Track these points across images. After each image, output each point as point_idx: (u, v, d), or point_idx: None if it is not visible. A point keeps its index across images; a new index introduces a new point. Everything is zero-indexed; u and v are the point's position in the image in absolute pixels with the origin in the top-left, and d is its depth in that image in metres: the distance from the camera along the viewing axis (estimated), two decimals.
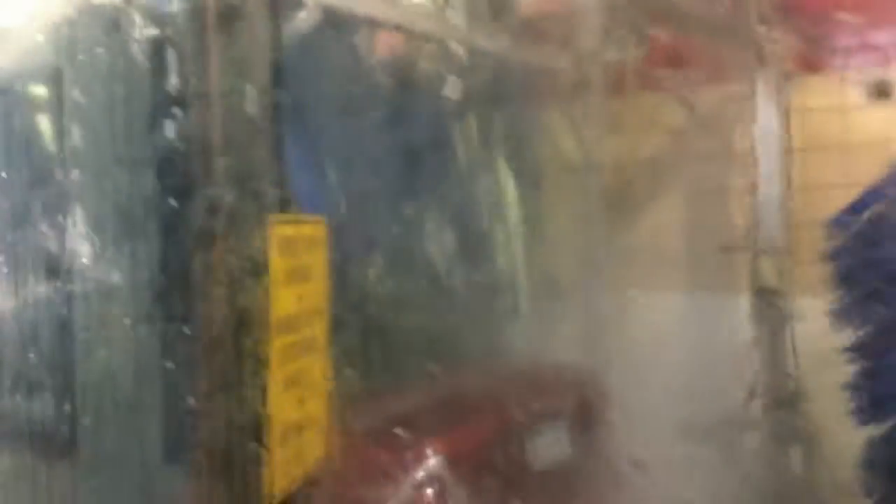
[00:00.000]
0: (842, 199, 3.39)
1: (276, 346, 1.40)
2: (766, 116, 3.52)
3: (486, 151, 2.89)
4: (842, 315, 3.17)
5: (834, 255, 3.20)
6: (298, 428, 1.46)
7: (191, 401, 1.41)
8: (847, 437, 3.24)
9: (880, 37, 3.33)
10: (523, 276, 2.94)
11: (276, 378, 1.39)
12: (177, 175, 1.50)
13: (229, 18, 1.46)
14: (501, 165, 2.97)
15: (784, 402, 3.50)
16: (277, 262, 1.38)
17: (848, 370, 3.24)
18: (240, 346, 1.38)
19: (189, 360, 1.42)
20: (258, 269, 1.36)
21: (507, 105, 3.00)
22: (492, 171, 2.92)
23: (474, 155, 2.81)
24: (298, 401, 1.45)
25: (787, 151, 3.49)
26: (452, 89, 2.64)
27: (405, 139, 2.33)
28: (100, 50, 1.70)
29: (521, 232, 2.97)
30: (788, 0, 3.43)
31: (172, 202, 1.50)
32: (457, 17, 2.79)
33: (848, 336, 3.18)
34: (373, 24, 2.38)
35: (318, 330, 1.50)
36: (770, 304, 3.49)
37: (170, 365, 1.53)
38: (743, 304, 3.52)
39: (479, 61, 2.79)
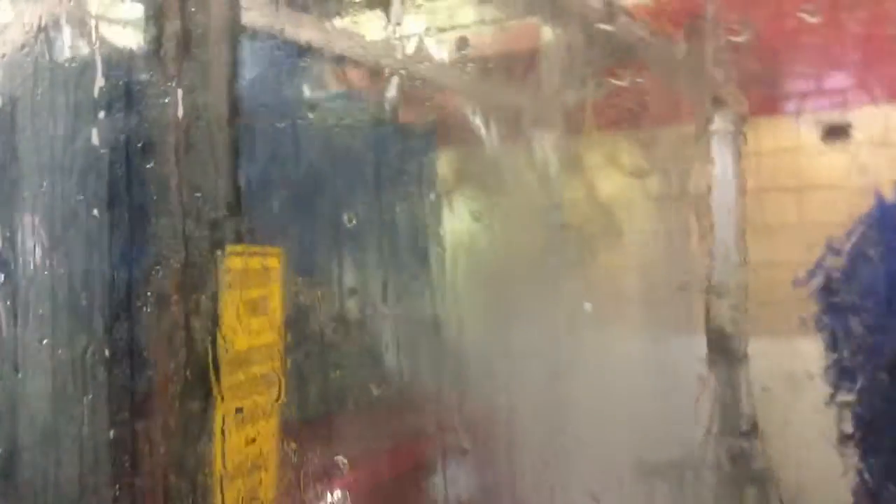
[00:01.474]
0: (796, 240, 3.45)
1: (228, 383, 1.35)
2: (721, 158, 3.57)
3: (439, 185, 2.88)
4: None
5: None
6: (249, 469, 1.40)
7: (134, 439, 1.34)
8: (802, 477, 3.25)
9: (835, 80, 3.41)
10: (474, 311, 2.91)
11: (226, 417, 1.34)
12: (129, 204, 1.46)
13: (188, 46, 1.43)
14: (454, 200, 2.97)
15: (738, 441, 3.51)
16: (231, 295, 1.33)
17: (800, 410, 3.26)
18: (188, 382, 1.32)
19: (134, 396, 1.36)
20: (211, 302, 1.31)
21: (463, 141, 3.00)
22: (444, 206, 2.91)
23: (427, 187, 2.80)
24: (250, 440, 1.39)
25: (743, 193, 3.54)
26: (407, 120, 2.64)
27: (364, 169, 2.30)
28: (52, 79, 1.66)
29: (473, 267, 2.96)
30: (744, 43, 3.50)
31: (123, 231, 1.45)
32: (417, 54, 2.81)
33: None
34: (331, 57, 2.37)
35: (272, 366, 1.45)
36: (725, 345, 3.51)
37: (112, 400, 1.46)
38: (698, 343, 3.54)
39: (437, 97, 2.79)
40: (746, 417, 3.47)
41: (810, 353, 3.39)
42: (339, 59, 2.33)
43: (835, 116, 3.39)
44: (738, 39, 3.36)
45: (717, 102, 3.53)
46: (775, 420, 3.41)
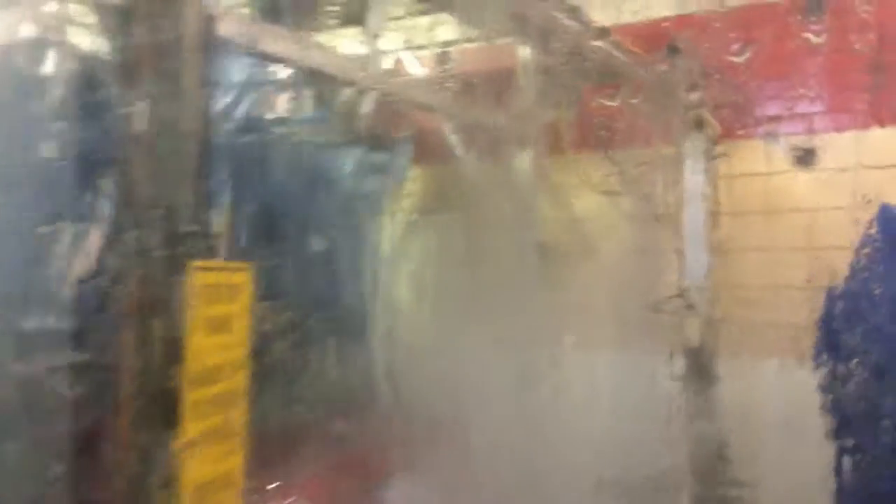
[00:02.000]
0: (765, 263, 3.48)
1: (193, 400, 1.33)
2: (693, 180, 3.61)
3: (416, 204, 2.88)
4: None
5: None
6: (214, 488, 1.38)
7: (96, 458, 1.32)
8: (773, 497, 3.26)
9: (804, 105, 3.46)
10: (444, 329, 2.90)
11: (191, 434, 1.32)
12: (91, 217, 1.44)
13: (159, 60, 1.42)
14: (431, 219, 2.97)
15: (709, 461, 3.52)
16: (198, 311, 1.31)
17: (771, 429, 3.28)
18: (153, 400, 1.30)
19: (95, 413, 1.34)
20: (176, 318, 1.29)
21: (441, 159, 3.00)
22: (420, 225, 2.91)
23: (402, 206, 2.80)
24: (215, 459, 1.37)
25: (714, 215, 3.57)
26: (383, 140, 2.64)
27: (334, 185, 2.29)
28: (25, 89, 1.64)
29: (445, 286, 2.95)
30: (717, 68, 3.54)
31: (84, 244, 1.43)
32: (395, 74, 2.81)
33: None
34: (309, 73, 2.36)
35: (237, 382, 1.43)
36: (696, 365, 3.52)
37: (73, 418, 1.44)
38: (670, 363, 3.55)
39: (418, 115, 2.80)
40: (717, 438, 3.48)
41: (782, 374, 3.41)
42: (315, 74, 2.32)
43: (804, 141, 3.43)
44: (711, 65, 3.41)
45: (691, 125, 3.56)
46: (746, 441, 3.42)
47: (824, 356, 3.15)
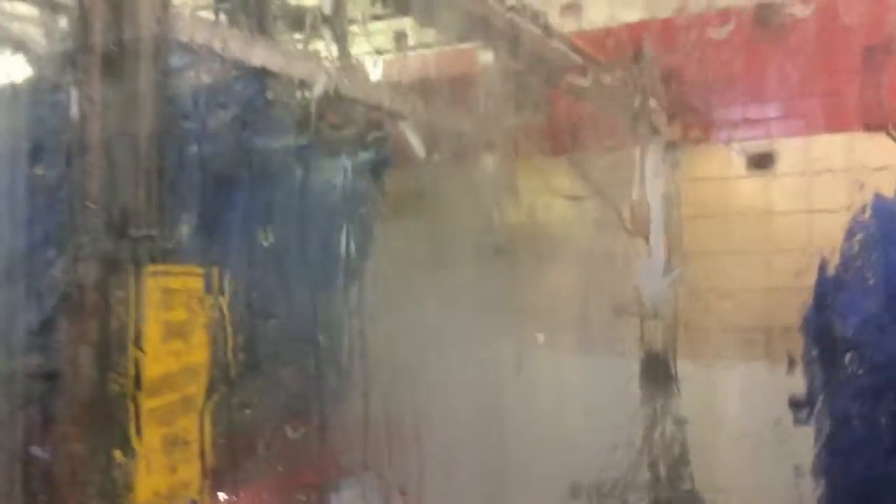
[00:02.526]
0: (724, 266, 3.52)
1: (149, 407, 1.31)
2: (653, 184, 3.64)
3: (378, 208, 2.86)
4: None
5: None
6: (169, 497, 1.36)
7: (49, 466, 1.29)
8: (733, 498, 3.29)
9: (761, 111, 3.51)
10: (406, 333, 2.89)
11: (146, 443, 1.30)
12: (50, 220, 1.41)
13: (113, 62, 1.40)
14: (391, 222, 2.95)
15: (668, 463, 3.55)
16: (153, 317, 1.29)
17: (730, 430, 3.32)
18: (108, 408, 1.28)
19: (49, 421, 1.31)
20: (131, 323, 1.27)
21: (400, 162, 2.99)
22: (381, 229, 2.89)
23: (365, 210, 2.78)
24: (171, 467, 1.35)
25: (674, 219, 3.61)
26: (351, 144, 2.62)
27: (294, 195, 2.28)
28: None
29: (407, 289, 2.94)
30: (676, 75, 3.58)
31: (43, 248, 1.40)
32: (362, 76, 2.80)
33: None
34: (273, 77, 2.34)
35: (196, 389, 1.41)
36: (657, 367, 3.56)
37: (24, 426, 1.40)
38: (631, 366, 3.58)
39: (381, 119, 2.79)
40: (677, 439, 3.51)
41: (740, 377, 3.46)
42: (272, 76, 2.30)
43: (761, 146, 3.48)
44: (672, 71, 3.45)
45: (651, 130, 3.60)
46: (705, 443, 3.45)
47: (813, 353, 3.14)
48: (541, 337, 3.44)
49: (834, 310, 2.99)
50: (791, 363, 3.09)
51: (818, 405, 3.03)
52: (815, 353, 3.03)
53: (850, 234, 2.96)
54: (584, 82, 3.34)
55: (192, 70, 1.82)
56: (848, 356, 2.96)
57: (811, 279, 3.04)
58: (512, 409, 3.02)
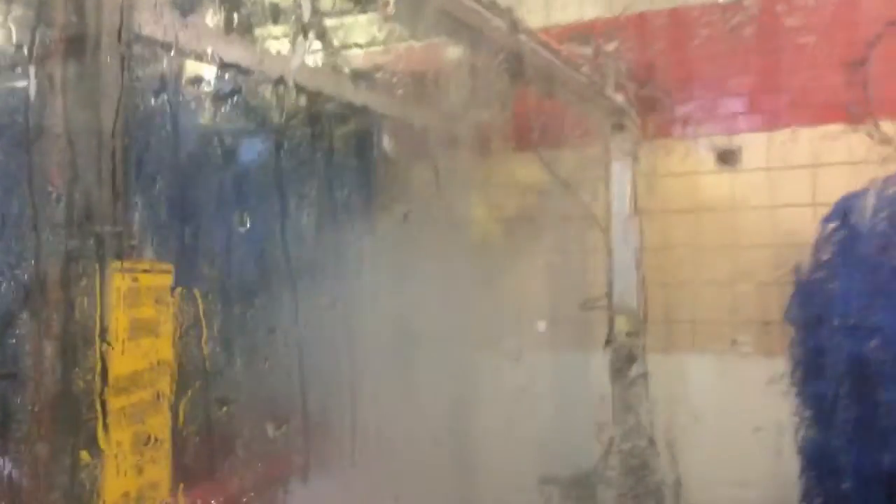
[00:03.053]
0: (690, 260, 3.55)
1: (116, 407, 1.27)
2: (620, 179, 3.66)
3: (348, 203, 2.84)
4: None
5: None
6: (138, 498, 1.33)
7: (11, 469, 1.25)
8: (701, 492, 3.33)
9: (726, 106, 3.55)
10: (381, 330, 2.88)
11: (114, 443, 1.26)
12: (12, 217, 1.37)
13: (75, 53, 1.36)
14: (361, 218, 2.93)
15: (638, 455, 3.57)
16: (119, 314, 1.26)
17: (695, 423, 3.35)
18: (74, 408, 1.25)
19: (14, 421, 1.27)
20: (95, 321, 1.24)
21: (371, 160, 2.98)
22: (351, 224, 2.87)
23: (332, 206, 2.76)
24: (139, 468, 1.32)
25: (640, 213, 3.64)
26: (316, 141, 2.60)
27: (261, 188, 2.25)
28: None
29: (380, 286, 2.92)
30: (642, 71, 3.61)
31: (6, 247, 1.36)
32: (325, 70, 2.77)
33: None
34: (237, 70, 2.30)
35: (163, 388, 1.38)
36: (625, 361, 3.58)
37: None
38: (599, 360, 3.60)
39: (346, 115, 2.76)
40: (645, 432, 3.54)
41: (706, 369, 3.49)
42: (237, 70, 2.27)
43: (726, 141, 3.52)
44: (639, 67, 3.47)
45: (617, 126, 3.62)
46: (674, 435, 3.48)
47: (799, 348, 3.17)
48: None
49: (813, 301, 3.06)
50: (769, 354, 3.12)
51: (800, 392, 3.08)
52: (797, 341, 3.09)
53: (822, 227, 3.00)
54: (551, 78, 3.34)
55: (159, 63, 1.78)
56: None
57: (779, 272, 3.08)
58: (480, 405, 3.02)
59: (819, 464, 3.10)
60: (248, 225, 2.14)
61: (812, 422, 3.14)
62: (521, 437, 3.05)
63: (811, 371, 3.14)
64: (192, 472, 1.52)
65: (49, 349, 1.26)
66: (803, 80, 3.34)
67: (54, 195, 1.25)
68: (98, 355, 1.25)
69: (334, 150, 2.84)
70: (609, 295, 3.61)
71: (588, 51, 3.45)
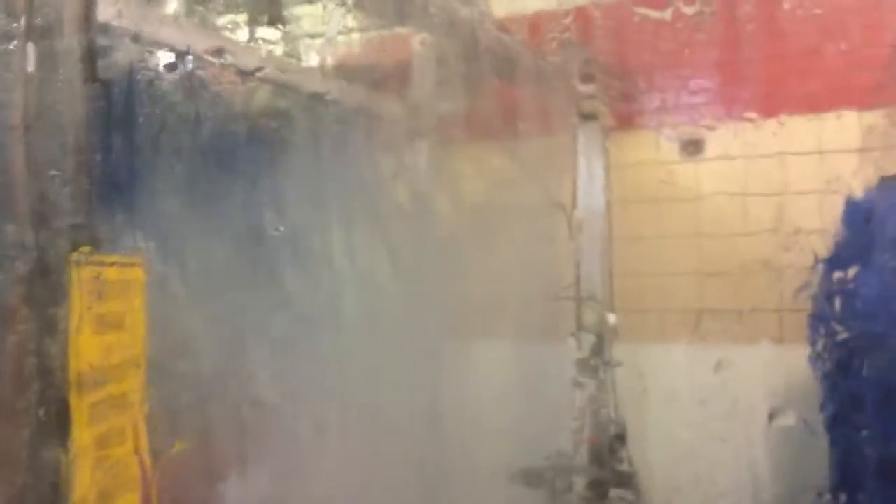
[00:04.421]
0: (656, 250, 3.58)
1: (79, 405, 1.24)
2: (586, 170, 3.67)
3: (316, 196, 2.81)
4: None
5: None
6: (110, 497, 1.30)
7: None
8: (669, 482, 3.36)
9: (692, 95, 3.57)
10: (347, 321, 2.85)
11: (78, 442, 1.23)
12: None
13: (37, 41, 1.33)
14: (330, 211, 2.90)
15: (606, 446, 3.60)
16: (82, 309, 1.23)
17: (668, 414, 3.38)
18: (35, 406, 1.21)
19: None
20: (59, 316, 1.20)
21: (338, 151, 2.94)
22: (320, 217, 2.84)
23: (302, 197, 2.72)
24: (107, 468, 1.29)
25: (608, 204, 3.65)
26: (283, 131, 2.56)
27: (230, 177, 2.21)
28: None
29: (346, 278, 2.89)
30: (607, 59, 3.61)
31: None
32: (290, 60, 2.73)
33: None
34: (200, 60, 2.26)
35: (132, 385, 1.35)
36: (594, 352, 3.60)
37: None
38: (568, 351, 3.62)
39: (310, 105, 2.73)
40: (615, 423, 3.56)
41: (674, 358, 3.52)
42: (202, 61, 2.22)
43: (691, 131, 3.55)
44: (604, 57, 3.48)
45: (584, 115, 3.63)
46: (643, 425, 3.51)
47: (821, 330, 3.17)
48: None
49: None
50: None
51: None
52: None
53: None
54: (517, 67, 3.34)
55: (121, 52, 1.74)
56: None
57: (743, 263, 3.11)
58: (449, 397, 3.01)
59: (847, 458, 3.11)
60: (222, 218, 2.11)
61: (841, 416, 3.14)
62: (488, 428, 3.05)
63: (841, 365, 3.14)
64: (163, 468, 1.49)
65: (11, 347, 1.22)
66: (771, 70, 3.38)
67: (16, 190, 1.21)
68: (63, 353, 1.22)
69: (297, 142, 2.80)
70: (578, 285, 3.62)
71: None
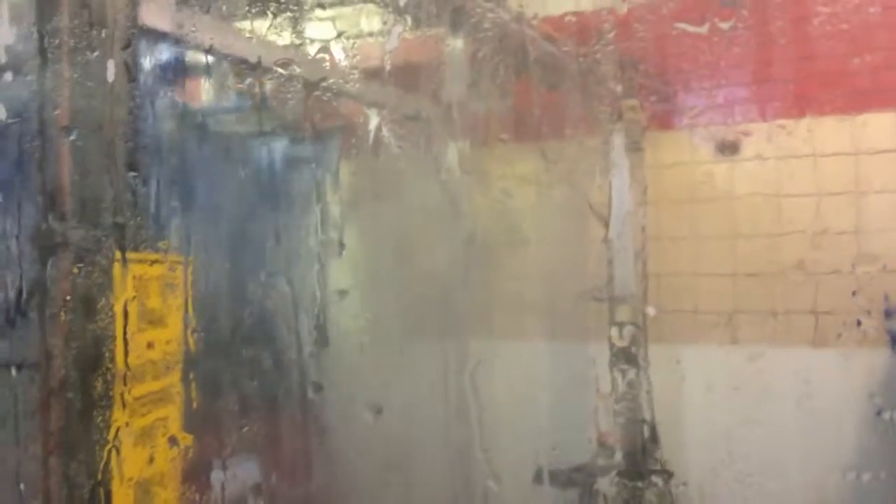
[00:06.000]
0: (690, 251, 3.56)
1: (125, 398, 1.28)
2: (621, 170, 3.66)
3: (343, 195, 2.84)
4: None
5: None
6: (147, 488, 1.33)
7: (23, 456, 1.26)
8: (703, 486, 3.34)
9: (726, 96, 3.55)
10: (375, 320, 2.88)
11: (122, 434, 1.27)
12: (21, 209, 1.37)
13: (78, 45, 1.36)
14: (360, 210, 2.93)
15: (639, 449, 3.58)
16: (129, 306, 1.26)
17: (699, 416, 3.36)
18: (82, 399, 1.25)
19: (24, 413, 1.28)
20: (106, 313, 1.24)
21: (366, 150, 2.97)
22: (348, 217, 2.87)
23: (331, 198, 2.76)
24: (148, 459, 1.32)
25: (641, 204, 3.63)
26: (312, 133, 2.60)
27: (258, 180, 2.25)
28: None
29: (375, 278, 2.92)
30: (641, 60, 3.60)
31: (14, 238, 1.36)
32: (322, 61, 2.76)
33: None
34: (234, 61, 2.30)
35: (172, 379, 1.39)
36: (626, 352, 3.58)
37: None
38: (599, 351, 3.60)
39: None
40: (647, 424, 3.55)
41: (709, 360, 3.50)
42: (240, 63, 2.26)
43: (726, 131, 3.52)
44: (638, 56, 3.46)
45: (618, 116, 3.61)
46: (676, 426, 3.49)
47: None
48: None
49: None
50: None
51: None
52: None
53: None
54: (553, 67, 3.34)
55: (162, 54, 1.78)
56: None
57: (780, 264, 3.08)
58: (477, 396, 3.02)
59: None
60: (258, 221, 2.15)
61: None
62: (519, 428, 3.05)
63: None
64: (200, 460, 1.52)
65: (58, 343, 1.26)
66: (805, 69, 3.35)
67: (64, 190, 1.25)
68: (107, 349, 1.26)
69: (333, 142, 2.83)
70: (610, 285, 3.61)
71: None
